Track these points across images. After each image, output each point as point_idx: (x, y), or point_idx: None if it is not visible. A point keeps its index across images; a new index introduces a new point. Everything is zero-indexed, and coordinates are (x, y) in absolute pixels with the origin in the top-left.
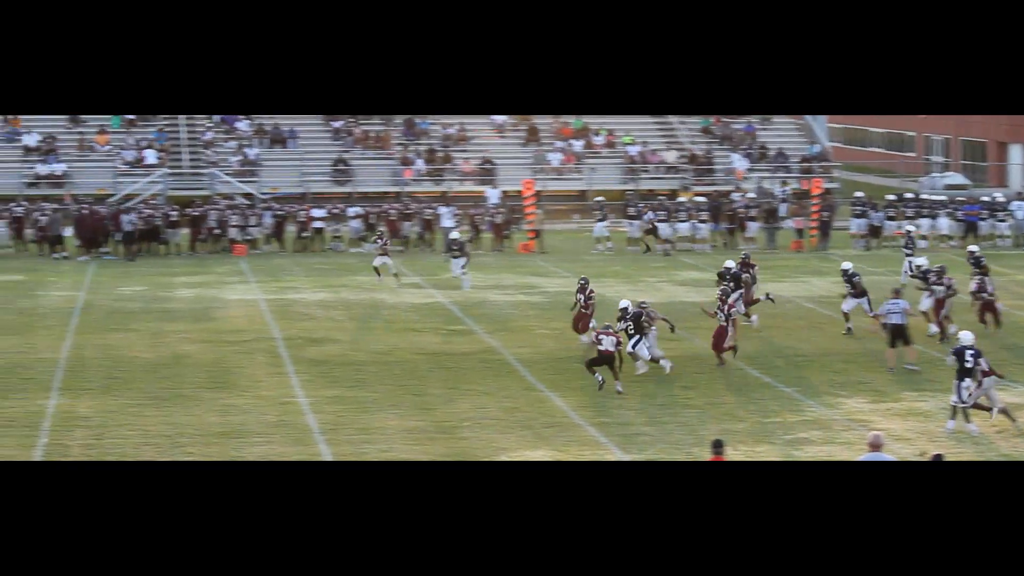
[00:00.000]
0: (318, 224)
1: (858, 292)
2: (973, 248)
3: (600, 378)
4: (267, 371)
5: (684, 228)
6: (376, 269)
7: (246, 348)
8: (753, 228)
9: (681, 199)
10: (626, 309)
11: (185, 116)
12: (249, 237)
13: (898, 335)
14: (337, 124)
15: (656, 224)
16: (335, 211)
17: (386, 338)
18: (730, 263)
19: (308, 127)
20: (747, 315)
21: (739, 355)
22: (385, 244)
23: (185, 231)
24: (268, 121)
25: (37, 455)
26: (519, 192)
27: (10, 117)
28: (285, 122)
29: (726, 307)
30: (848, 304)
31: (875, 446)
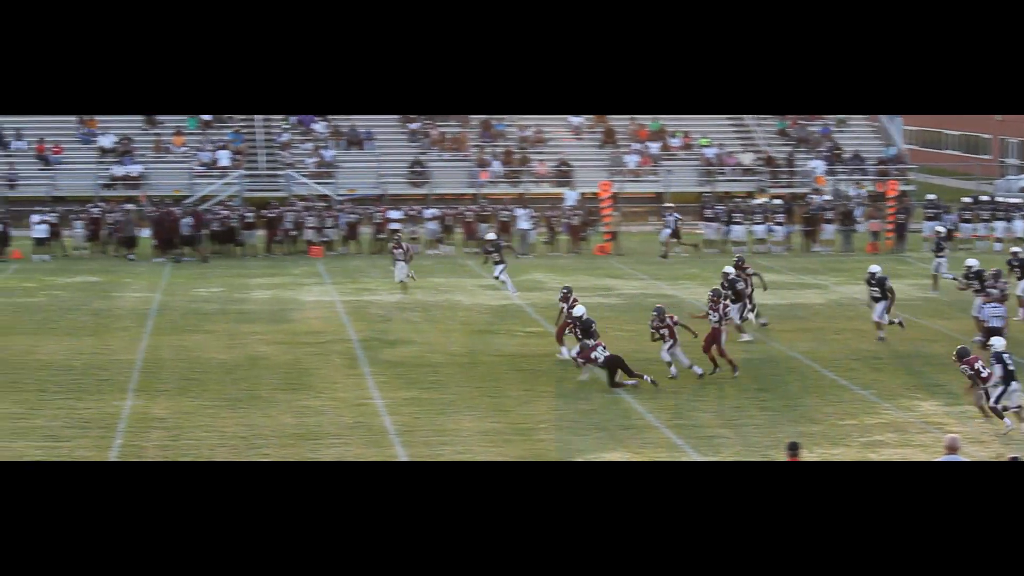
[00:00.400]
0: (394, 226)
1: (883, 295)
2: (1016, 249)
3: (632, 381)
4: (343, 373)
5: (760, 230)
6: (403, 284)
7: (322, 350)
8: (829, 231)
9: (757, 201)
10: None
11: (262, 117)
12: (325, 239)
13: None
14: (414, 126)
15: (680, 227)
16: (411, 213)
17: (462, 340)
18: (729, 269)
19: (385, 129)
20: (740, 329)
21: (815, 357)
22: (407, 252)
23: (261, 233)
24: (344, 122)
25: (113, 456)
26: (595, 194)
27: (86, 118)
28: (362, 123)
29: (720, 309)
30: (877, 309)
31: (951, 449)
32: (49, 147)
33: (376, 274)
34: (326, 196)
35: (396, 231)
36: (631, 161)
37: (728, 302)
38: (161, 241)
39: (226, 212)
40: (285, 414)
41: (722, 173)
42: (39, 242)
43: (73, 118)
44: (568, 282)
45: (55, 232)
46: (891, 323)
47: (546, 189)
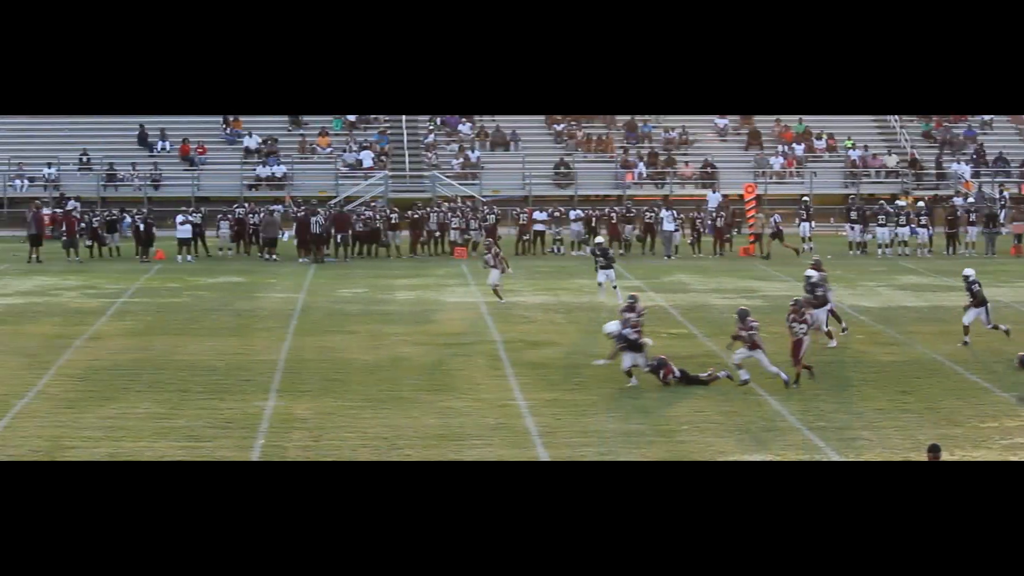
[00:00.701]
0: (539, 227)
1: (978, 302)
2: None
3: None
4: (486, 374)
5: (904, 232)
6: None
7: (465, 351)
8: (972, 233)
9: (901, 203)
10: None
11: (407, 118)
12: (469, 239)
13: None
14: (559, 127)
15: (781, 227)
16: (556, 214)
17: (605, 341)
18: (811, 272)
19: (530, 130)
20: (829, 335)
21: (956, 359)
22: (496, 255)
23: (405, 234)
24: (490, 123)
25: (254, 456)
26: (740, 196)
27: (231, 119)
28: (507, 124)
29: (802, 318)
30: (969, 315)
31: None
32: (194, 148)
33: (520, 275)
34: (472, 197)
35: (493, 237)
36: (776, 163)
37: (811, 309)
38: (304, 242)
39: (370, 213)
40: (427, 415)
41: (867, 175)
42: (183, 243)
43: (218, 119)
44: (711, 284)
45: (199, 233)
46: (995, 328)
47: (691, 191)
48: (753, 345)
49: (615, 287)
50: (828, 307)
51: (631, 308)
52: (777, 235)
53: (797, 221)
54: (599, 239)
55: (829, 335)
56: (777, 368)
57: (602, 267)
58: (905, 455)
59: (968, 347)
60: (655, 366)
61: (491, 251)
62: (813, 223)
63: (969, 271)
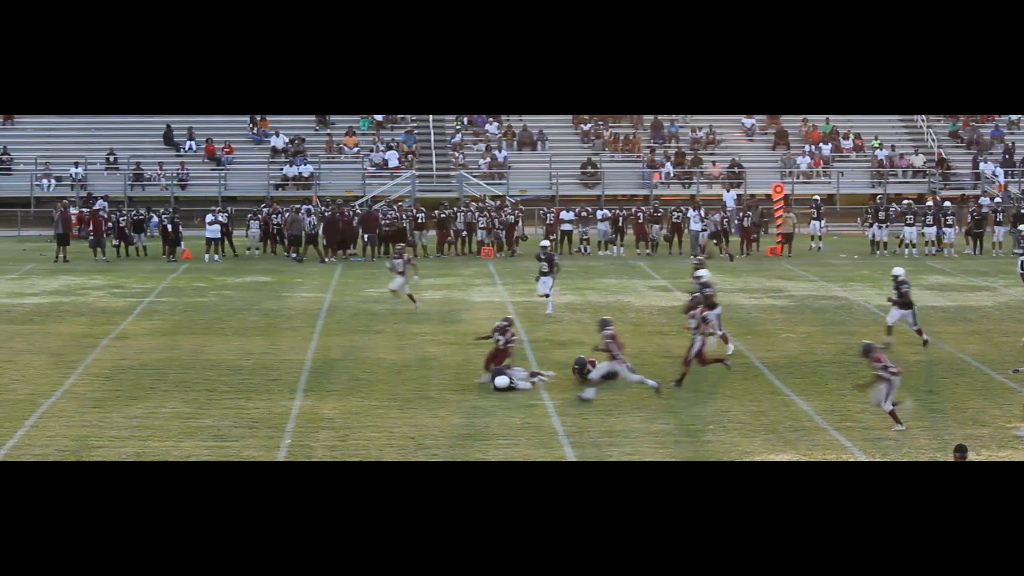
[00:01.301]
0: (566, 227)
1: (904, 303)
2: None
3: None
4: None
5: (931, 232)
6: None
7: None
8: (999, 232)
9: (929, 203)
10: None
11: (433, 118)
12: (497, 239)
13: None
14: (586, 127)
15: (722, 228)
16: (583, 214)
17: (633, 341)
18: (701, 272)
19: (557, 129)
20: (724, 336)
21: (983, 359)
22: (407, 262)
23: (432, 233)
24: (517, 123)
25: (281, 456)
26: (768, 195)
27: (259, 118)
28: (534, 124)
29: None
30: (893, 315)
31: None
32: (219, 147)
33: None
34: (500, 197)
35: (404, 244)
36: (803, 163)
37: (704, 308)
38: (332, 241)
39: (395, 213)
40: (454, 415)
41: (893, 175)
42: (210, 242)
43: (245, 118)
44: (739, 283)
45: (226, 232)
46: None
47: (718, 191)
48: (612, 356)
49: (548, 296)
50: (719, 310)
51: (503, 331)
52: (716, 236)
53: (809, 220)
54: (544, 243)
55: (725, 339)
56: (641, 376)
57: (543, 274)
58: (931, 455)
59: (996, 347)
60: (578, 368)
61: (402, 256)
62: (824, 222)
63: (899, 270)
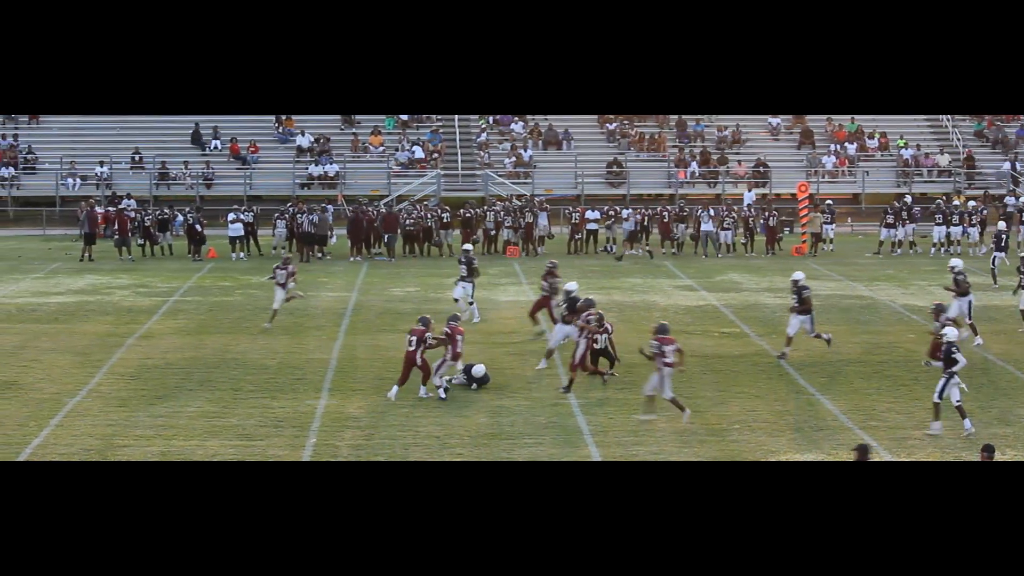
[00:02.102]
0: (591, 226)
1: (804, 308)
2: None
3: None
4: (538, 372)
5: (956, 232)
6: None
7: (517, 350)
8: None
9: (955, 203)
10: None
11: (459, 117)
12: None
13: None
14: (612, 126)
15: (644, 227)
16: (610, 213)
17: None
18: (571, 285)
19: (582, 129)
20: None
21: (1008, 358)
22: (290, 274)
23: (457, 232)
24: (543, 122)
25: (306, 455)
26: (793, 195)
27: (284, 118)
28: (559, 123)
29: (602, 326)
30: (793, 323)
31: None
32: (245, 146)
33: (572, 274)
34: (525, 196)
35: (289, 256)
36: (828, 162)
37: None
38: (357, 241)
39: (419, 212)
40: (479, 414)
41: (919, 174)
42: (234, 241)
43: (271, 118)
44: (763, 283)
45: (251, 231)
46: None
47: (743, 190)
48: (455, 355)
49: (471, 303)
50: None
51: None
52: (634, 235)
53: (821, 225)
54: (467, 246)
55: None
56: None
57: (462, 278)
58: (957, 455)
59: (1020, 346)
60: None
61: (286, 267)
62: (835, 225)
63: (799, 275)
